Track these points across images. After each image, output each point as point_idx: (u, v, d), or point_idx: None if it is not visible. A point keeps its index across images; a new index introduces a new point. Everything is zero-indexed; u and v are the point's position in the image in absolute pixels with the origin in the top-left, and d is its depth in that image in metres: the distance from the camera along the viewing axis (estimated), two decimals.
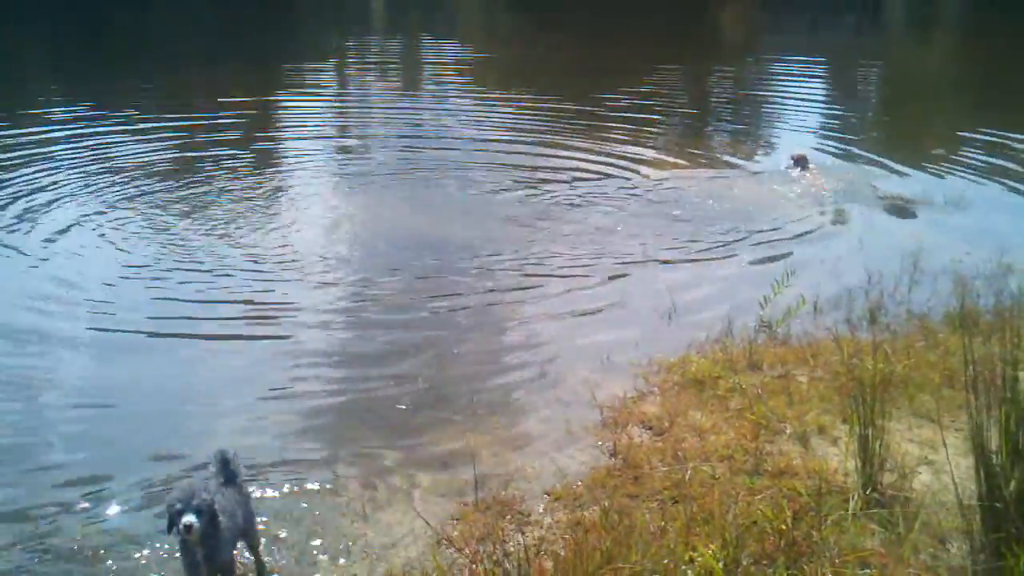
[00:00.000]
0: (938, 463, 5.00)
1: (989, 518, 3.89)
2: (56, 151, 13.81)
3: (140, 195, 11.51)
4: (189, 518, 3.80)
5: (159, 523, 4.64)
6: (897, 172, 12.94)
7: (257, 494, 5.02)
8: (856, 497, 4.56)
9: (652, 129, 16.49)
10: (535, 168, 13.22)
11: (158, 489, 5.21)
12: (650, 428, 5.80)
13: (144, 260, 9.13)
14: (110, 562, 4.61)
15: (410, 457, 5.66)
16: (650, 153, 14.32)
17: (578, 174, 12.83)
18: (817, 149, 14.59)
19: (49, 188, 11.61)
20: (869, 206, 11.27)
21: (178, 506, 3.84)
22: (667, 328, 7.64)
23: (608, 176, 12.78)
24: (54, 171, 12.51)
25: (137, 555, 4.65)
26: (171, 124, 16.06)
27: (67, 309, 7.95)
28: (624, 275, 8.91)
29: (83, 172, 12.54)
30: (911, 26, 40.10)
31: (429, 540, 4.69)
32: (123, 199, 11.28)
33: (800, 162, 12.94)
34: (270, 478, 5.38)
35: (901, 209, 11.21)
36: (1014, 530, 3.67)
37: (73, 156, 13.47)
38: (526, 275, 8.91)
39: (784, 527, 4.20)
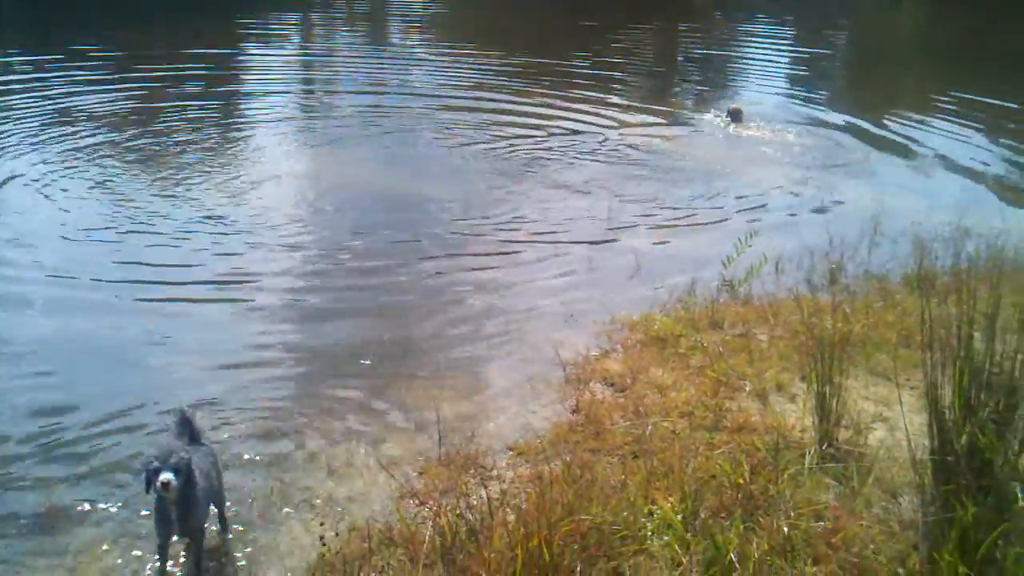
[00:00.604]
0: (892, 420, 5.12)
1: (940, 472, 3.97)
2: (10, 101, 13.58)
3: (94, 147, 11.34)
4: (167, 475, 3.77)
5: (117, 487, 4.67)
6: (860, 133, 13.09)
7: (222, 451, 5.02)
8: (812, 452, 4.65)
9: (619, 87, 16.55)
10: (501, 125, 13.26)
11: (116, 449, 5.19)
12: (612, 385, 5.86)
13: (98, 219, 8.92)
14: (69, 532, 4.60)
15: (374, 412, 5.68)
16: (615, 111, 14.46)
17: (544, 131, 12.92)
18: (781, 107, 14.75)
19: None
20: (831, 167, 11.38)
21: (155, 464, 3.81)
22: (631, 287, 7.71)
23: (575, 132, 12.91)
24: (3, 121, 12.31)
25: (96, 519, 4.65)
26: (131, 76, 15.82)
27: (16, 272, 7.74)
28: (589, 235, 8.95)
29: (38, 123, 12.35)
30: None
31: (393, 494, 4.73)
32: (75, 151, 11.13)
33: (735, 115, 13.33)
34: (234, 434, 5.38)
35: (862, 171, 11.32)
36: (964, 482, 3.76)
37: (28, 106, 13.25)
38: (493, 235, 8.93)
39: (742, 481, 4.29)
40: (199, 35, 20.42)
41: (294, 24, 25.30)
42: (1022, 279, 6.87)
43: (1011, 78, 17.29)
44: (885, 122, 13.62)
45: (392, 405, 5.76)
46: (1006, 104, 14.76)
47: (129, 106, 13.66)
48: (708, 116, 13.91)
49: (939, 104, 14.82)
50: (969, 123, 13.60)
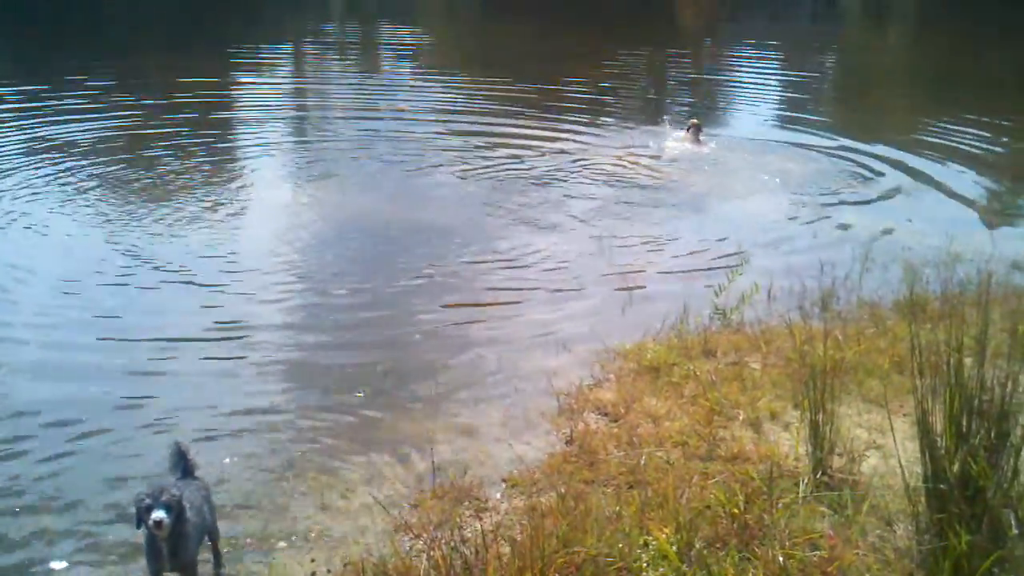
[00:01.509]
0: (886, 447, 5.11)
1: (934, 500, 3.98)
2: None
3: (79, 178, 11.41)
4: (159, 514, 3.75)
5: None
6: (848, 158, 13.15)
7: (216, 484, 5.00)
8: (807, 481, 4.65)
9: (608, 111, 16.66)
10: (491, 149, 13.40)
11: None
12: (606, 415, 5.86)
13: (85, 262, 8.78)
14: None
15: (368, 444, 5.66)
16: (604, 135, 14.57)
17: (534, 157, 13.01)
18: (769, 130, 14.94)
19: None
20: (820, 192, 11.44)
21: (147, 501, 3.79)
22: (623, 316, 7.72)
23: (564, 155, 13.01)
24: None
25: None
26: (123, 105, 15.92)
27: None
28: (580, 262, 8.97)
29: (21, 151, 12.49)
30: (865, 15, 40.57)
31: (387, 526, 4.71)
32: (60, 183, 11.20)
33: (694, 130, 13.51)
34: (227, 467, 5.37)
35: (851, 196, 11.38)
36: (957, 511, 3.77)
37: (10, 136, 13.40)
38: (484, 266, 8.94)
39: (737, 511, 4.28)
40: (189, 66, 20.47)
41: (285, 54, 25.44)
42: (1012, 304, 6.92)
43: (996, 103, 17.40)
44: (873, 146, 13.70)
45: (386, 438, 5.75)
46: (992, 128, 14.86)
47: (116, 136, 13.71)
48: (682, 135, 14.02)
49: (926, 128, 14.90)
50: (956, 147, 13.67)
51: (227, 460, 5.45)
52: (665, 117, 15.38)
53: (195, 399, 6.22)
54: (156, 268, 8.58)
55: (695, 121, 13.97)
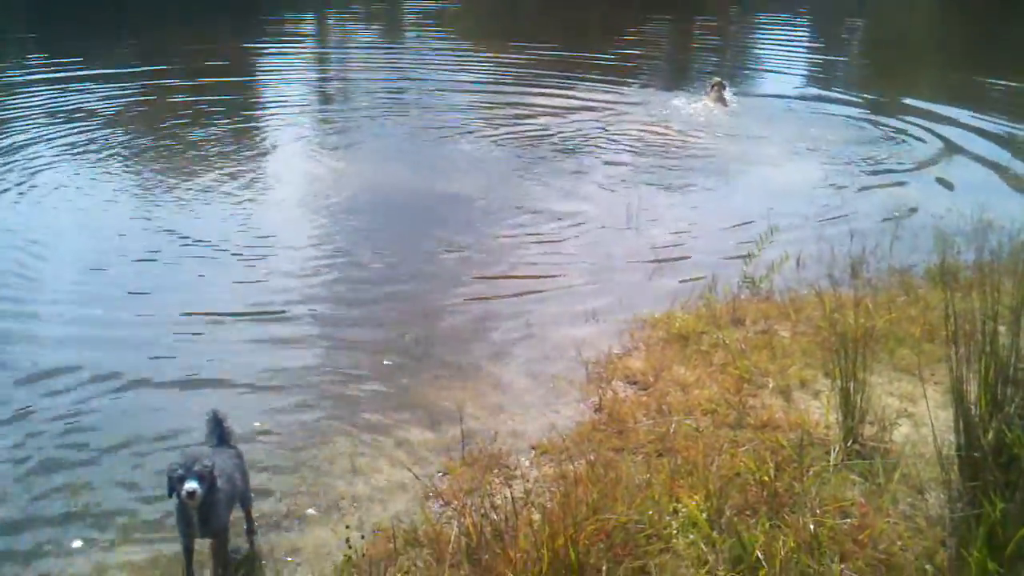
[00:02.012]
0: (917, 416, 5.09)
1: (967, 468, 3.96)
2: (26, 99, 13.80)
3: (106, 147, 11.54)
4: (191, 484, 3.79)
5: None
6: (878, 125, 13.02)
7: (247, 450, 5.05)
8: (837, 449, 4.64)
9: (635, 78, 16.57)
10: (519, 117, 13.41)
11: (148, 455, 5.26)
12: (635, 383, 5.86)
13: (115, 233, 8.86)
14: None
15: (397, 413, 5.69)
16: (633, 100, 14.53)
17: (560, 123, 13.03)
18: (796, 98, 14.76)
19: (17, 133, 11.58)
20: (849, 161, 11.32)
21: (180, 471, 3.82)
22: (652, 284, 7.70)
23: (591, 121, 13.10)
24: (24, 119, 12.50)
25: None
26: (147, 74, 16.01)
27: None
28: (608, 232, 8.94)
29: (47, 121, 12.61)
30: None
31: (417, 493, 4.75)
32: (86, 152, 11.32)
33: (718, 88, 13.45)
34: (259, 435, 5.42)
35: (883, 164, 11.26)
36: (991, 478, 3.74)
37: (40, 104, 13.57)
38: (511, 234, 8.94)
39: (767, 478, 4.28)
40: (214, 36, 20.50)
41: (310, 23, 25.39)
42: None
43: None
44: (902, 113, 13.56)
45: (415, 406, 5.78)
46: (1019, 96, 14.62)
47: (142, 107, 13.79)
48: (706, 96, 13.93)
49: (957, 95, 14.71)
50: (987, 114, 13.48)
51: (257, 425, 5.50)
52: (692, 82, 15.29)
53: (227, 367, 6.27)
54: (183, 241, 8.60)
55: (718, 80, 13.95)
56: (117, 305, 7.31)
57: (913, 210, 9.27)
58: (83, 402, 5.79)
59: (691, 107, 13.74)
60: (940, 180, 10.56)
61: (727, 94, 13.73)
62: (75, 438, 5.38)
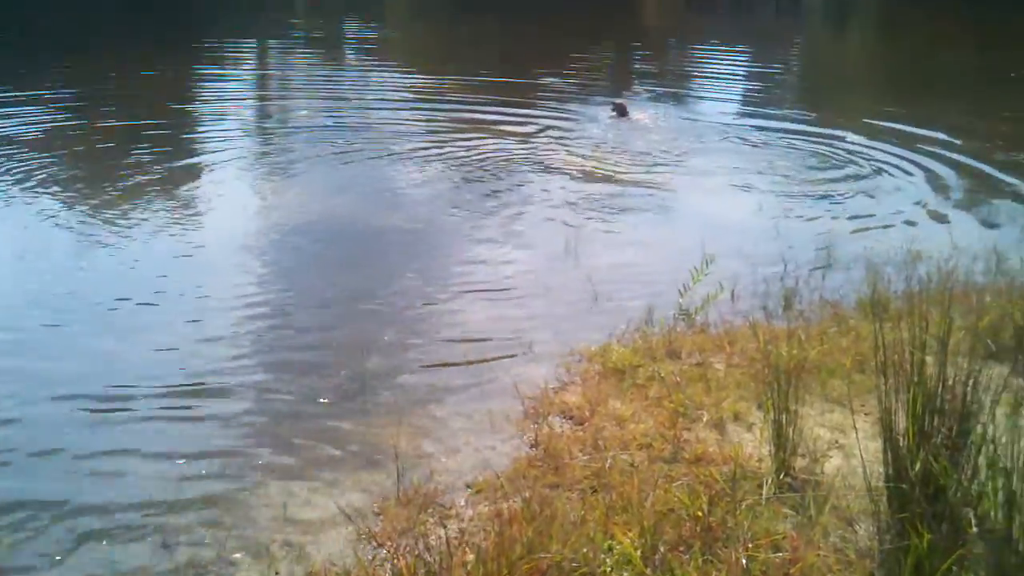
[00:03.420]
0: (848, 447, 5.15)
1: (895, 499, 4.01)
2: None
3: (21, 178, 11.24)
4: None
5: None
6: (812, 153, 13.27)
7: (174, 493, 4.94)
8: (769, 482, 4.67)
9: (572, 106, 16.70)
10: (456, 144, 13.46)
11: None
12: (571, 418, 5.84)
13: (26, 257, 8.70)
14: None
15: (331, 453, 5.60)
16: (569, 128, 14.67)
17: (499, 149, 13.17)
18: (733, 126, 15.05)
19: None
20: (782, 191, 11.50)
21: None
22: (589, 318, 7.70)
23: (529, 149, 13.17)
24: None
25: None
26: (75, 98, 15.80)
27: None
28: (545, 263, 8.97)
29: None
30: (828, 12, 40.92)
31: (351, 535, 4.67)
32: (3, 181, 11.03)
33: (620, 110, 13.79)
34: (189, 476, 5.30)
35: (816, 193, 11.45)
36: (918, 510, 3.79)
37: None
38: (448, 266, 8.92)
39: (700, 513, 4.29)
40: (149, 60, 20.26)
41: (249, 49, 25.27)
42: (973, 301, 7.00)
43: (953, 100, 17.65)
44: (835, 141, 13.84)
45: (349, 445, 5.70)
46: (950, 126, 14.99)
47: (66, 133, 13.57)
48: (638, 118, 14.23)
49: (887, 125, 15.03)
50: (917, 144, 13.79)
51: (182, 462, 5.38)
52: (626, 108, 15.48)
53: (152, 400, 6.14)
54: (104, 280, 8.41)
55: (620, 101, 14.29)
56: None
57: (845, 240, 9.42)
58: None
59: (625, 133, 13.95)
60: (872, 210, 10.77)
61: (633, 115, 14.08)
62: None
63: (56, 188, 10.99)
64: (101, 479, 5.26)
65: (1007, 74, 20.30)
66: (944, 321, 4.13)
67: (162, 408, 6.13)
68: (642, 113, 14.47)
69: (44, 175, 11.36)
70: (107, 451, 5.58)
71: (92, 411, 6.10)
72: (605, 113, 15.50)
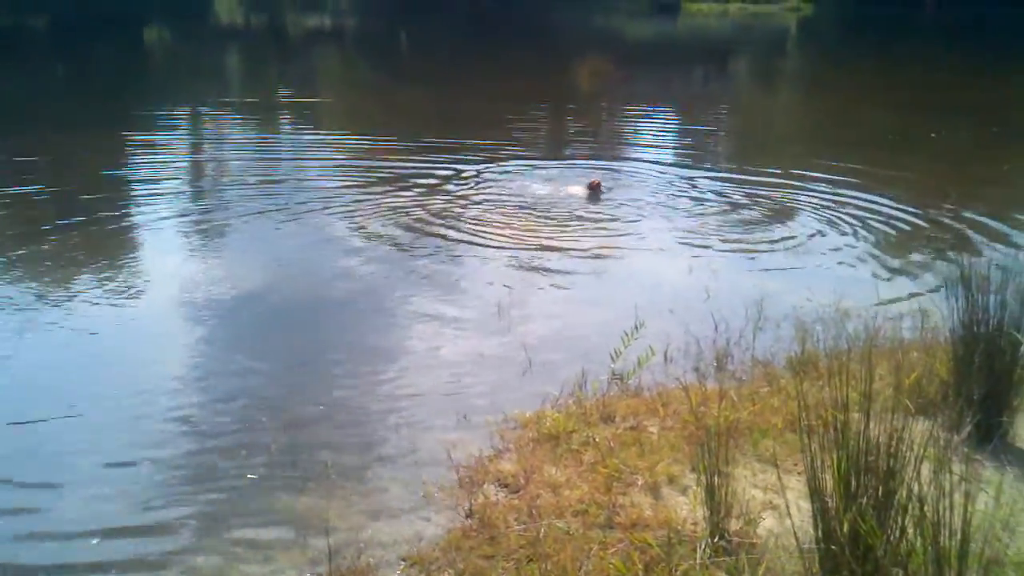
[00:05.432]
0: (781, 507, 5.17)
1: (826, 560, 4.03)
2: None
3: None
4: None
5: None
6: (741, 213, 13.49)
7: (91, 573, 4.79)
8: (704, 546, 4.67)
9: (508, 168, 16.79)
10: (391, 206, 13.42)
11: None
12: (506, 486, 5.80)
13: None
14: None
15: (262, 527, 5.49)
16: (505, 189, 14.79)
17: (433, 210, 13.15)
18: (664, 184, 15.31)
19: None
20: (713, 249, 11.67)
21: None
22: (523, 383, 7.68)
23: (461, 210, 13.17)
24: None
25: None
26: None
27: None
28: (479, 328, 8.94)
29: None
30: (755, 77, 42.02)
31: None
32: None
33: (594, 189, 13.97)
34: (111, 559, 5.13)
35: (746, 252, 11.64)
36: (847, 572, 3.81)
37: None
38: (381, 333, 8.85)
39: None
40: (77, 134, 20.02)
41: (183, 115, 25.16)
42: (898, 358, 7.13)
43: (877, 155, 18.15)
44: (764, 201, 14.09)
45: (280, 518, 5.59)
46: (876, 182, 15.39)
47: None
48: (580, 190, 14.38)
49: (816, 184, 15.34)
50: (842, 200, 14.11)
51: (96, 543, 5.21)
52: (567, 171, 15.67)
53: (76, 477, 5.95)
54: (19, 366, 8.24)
55: (596, 180, 14.36)
56: None
57: (775, 298, 9.56)
58: None
59: (562, 195, 14.11)
60: (801, 265, 10.97)
61: (602, 193, 14.17)
62: None
63: None
64: (14, 562, 5.09)
65: (928, 135, 20.98)
66: (867, 379, 4.19)
67: (79, 484, 5.96)
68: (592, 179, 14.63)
69: None
70: (18, 533, 5.40)
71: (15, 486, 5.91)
72: (539, 176, 15.68)
